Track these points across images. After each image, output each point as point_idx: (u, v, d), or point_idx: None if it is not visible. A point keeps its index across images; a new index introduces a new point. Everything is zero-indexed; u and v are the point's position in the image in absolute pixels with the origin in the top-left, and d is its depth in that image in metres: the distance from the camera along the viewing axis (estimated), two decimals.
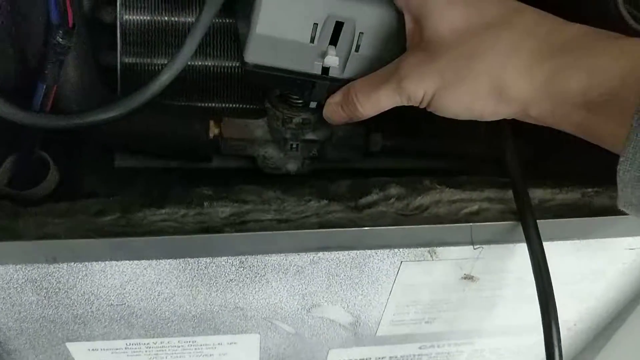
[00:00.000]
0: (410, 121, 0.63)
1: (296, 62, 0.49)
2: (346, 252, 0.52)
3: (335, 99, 0.51)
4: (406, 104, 0.46)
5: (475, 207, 0.51)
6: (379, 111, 0.48)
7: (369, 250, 0.52)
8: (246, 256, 0.50)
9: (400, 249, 0.53)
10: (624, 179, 0.35)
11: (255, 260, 0.51)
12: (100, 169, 0.65)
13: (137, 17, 0.57)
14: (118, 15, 0.56)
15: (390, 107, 0.47)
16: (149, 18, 0.57)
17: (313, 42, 0.48)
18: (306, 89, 0.52)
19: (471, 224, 0.50)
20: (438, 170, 0.70)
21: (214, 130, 0.59)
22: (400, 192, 0.51)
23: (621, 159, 0.35)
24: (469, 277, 0.58)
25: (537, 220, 0.49)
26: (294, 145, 0.59)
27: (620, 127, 0.35)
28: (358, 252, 0.52)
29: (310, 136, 0.59)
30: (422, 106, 0.46)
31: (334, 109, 0.51)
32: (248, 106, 0.63)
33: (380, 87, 0.46)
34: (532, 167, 0.56)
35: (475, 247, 0.53)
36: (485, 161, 0.67)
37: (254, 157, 0.61)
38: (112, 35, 0.58)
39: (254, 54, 0.48)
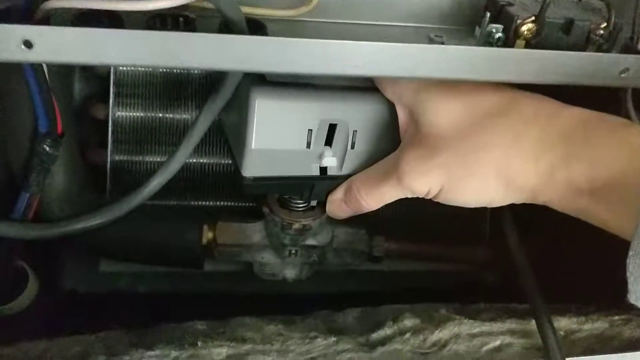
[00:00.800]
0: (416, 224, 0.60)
1: (294, 167, 0.48)
2: None
3: (338, 195, 0.50)
4: (410, 196, 0.45)
5: (497, 342, 0.47)
6: (383, 204, 0.48)
7: None
8: None
9: None
10: (635, 273, 0.34)
11: None
12: (84, 269, 0.61)
13: (130, 114, 0.54)
14: (110, 112, 0.53)
15: (394, 200, 0.47)
16: (142, 115, 0.55)
17: (309, 147, 0.47)
18: (306, 189, 0.51)
19: None
20: (441, 273, 0.67)
21: (207, 236, 0.55)
22: (416, 323, 0.47)
23: (630, 252, 0.34)
24: None
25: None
26: (293, 251, 0.56)
27: (624, 215, 0.36)
28: None
29: (310, 241, 0.55)
30: (428, 197, 0.44)
31: (338, 205, 0.50)
32: (243, 204, 0.60)
33: (382, 182, 0.46)
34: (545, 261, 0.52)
35: None
36: (490, 266, 0.64)
37: (250, 262, 0.57)
38: (102, 131, 0.54)
39: (252, 168, 0.47)
